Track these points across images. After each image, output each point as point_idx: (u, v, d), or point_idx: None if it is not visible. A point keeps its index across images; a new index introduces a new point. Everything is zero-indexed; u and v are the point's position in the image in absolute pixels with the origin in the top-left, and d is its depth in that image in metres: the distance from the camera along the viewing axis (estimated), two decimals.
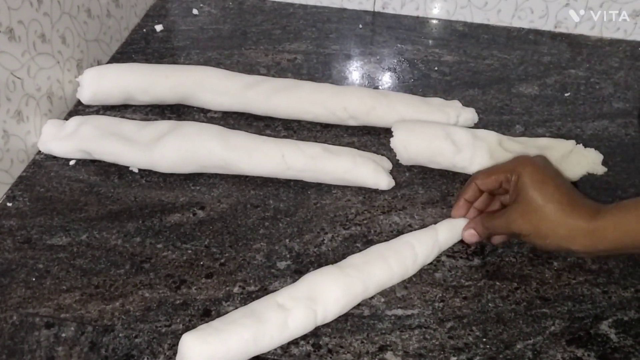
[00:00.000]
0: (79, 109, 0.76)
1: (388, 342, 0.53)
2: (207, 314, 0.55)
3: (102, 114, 0.74)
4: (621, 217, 0.51)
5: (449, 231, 0.60)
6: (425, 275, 0.59)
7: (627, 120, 0.78)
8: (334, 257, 0.60)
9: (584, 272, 0.59)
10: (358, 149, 0.70)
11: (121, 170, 0.68)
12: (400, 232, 0.62)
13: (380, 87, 0.83)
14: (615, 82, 0.85)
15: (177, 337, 0.52)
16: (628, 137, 0.76)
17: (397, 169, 0.70)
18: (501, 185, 0.58)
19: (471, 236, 0.60)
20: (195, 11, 0.96)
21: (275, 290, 0.55)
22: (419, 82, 0.83)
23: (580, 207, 0.53)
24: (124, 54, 0.86)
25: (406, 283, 0.58)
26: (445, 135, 0.67)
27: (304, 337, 0.53)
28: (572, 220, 0.53)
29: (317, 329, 0.54)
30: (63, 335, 0.53)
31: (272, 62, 0.86)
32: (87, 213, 0.63)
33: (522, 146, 0.67)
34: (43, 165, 0.68)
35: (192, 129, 0.66)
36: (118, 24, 0.86)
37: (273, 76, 0.81)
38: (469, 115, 0.73)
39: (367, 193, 0.67)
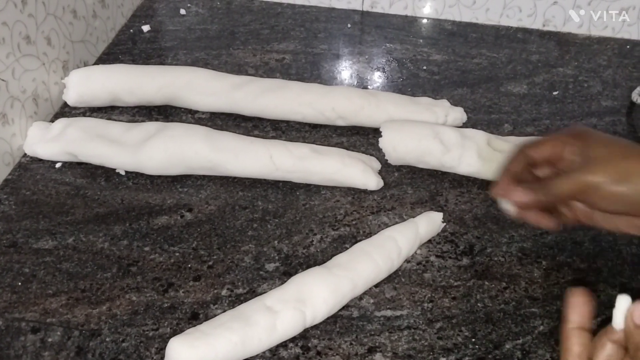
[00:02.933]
0: (65, 110, 0.75)
1: (377, 344, 0.53)
2: (195, 318, 0.54)
3: (89, 116, 0.74)
4: None
5: (428, 224, 0.61)
6: (414, 275, 0.59)
7: (616, 119, 0.78)
8: (323, 258, 0.59)
9: (572, 272, 0.59)
10: (347, 149, 0.70)
11: (108, 173, 0.68)
12: None
13: (369, 86, 0.83)
14: (604, 80, 0.85)
15: (164, 341, 0.52)
16: (616, 135, 0.76)
17: (386, 169, 0.70)
18: (554, 157, 0.51)
19: (526, 196, 0.50)
20: (182, 11, 0.95)
21: (263, 293, 0.55)
22: (407, 82, 0.83)
23: None
24: (110, 55, 0.85)
25: (395, 284, 0.58)
26: (433, 135, 0.67)
27: (293, 340, 0.53)
28: None
29: (306, 331, 0.53)
30: (49, 340, 0.52)
31: (260, 62, 0.85)
32: (73, 216, 0.63)
33: (510, 145, 0.67)
34: (29, 168, 0.68)
35: (178, 131, 0.66)
36: (104, 24, 0.86)
37: (261, 76, 0.80)
38: (458, 114, 0.73)
39: (356, 193, 0.67)
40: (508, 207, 0.53)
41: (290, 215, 0.64)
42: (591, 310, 0.40)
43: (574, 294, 0.40)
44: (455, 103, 0.77)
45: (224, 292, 0.56)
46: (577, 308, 0.40)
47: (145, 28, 0.91)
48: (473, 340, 0.53)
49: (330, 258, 0.58)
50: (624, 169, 0.47)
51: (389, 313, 0.55)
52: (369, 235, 0.61)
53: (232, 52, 0.87)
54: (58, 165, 0.68)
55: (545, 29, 0.94)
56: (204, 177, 0.68)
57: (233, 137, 0.67)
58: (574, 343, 0.40)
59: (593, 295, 0.40)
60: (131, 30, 0.91)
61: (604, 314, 0.56)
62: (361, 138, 0.73)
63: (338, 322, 0.54)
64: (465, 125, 0.74)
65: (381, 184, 0.67)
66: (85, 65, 0.81)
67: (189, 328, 0.51)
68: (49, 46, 0.72)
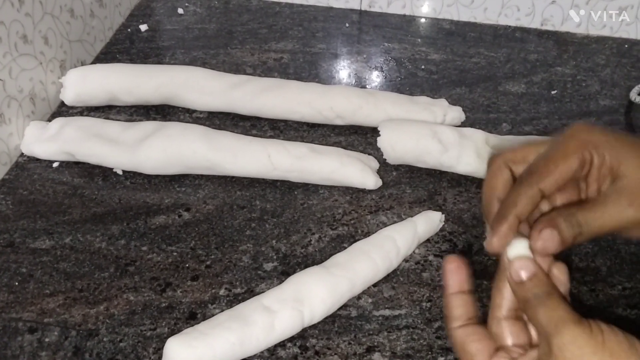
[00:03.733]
0: (62, 110, 0.75)
1: (375, 343, 0.53)
2: (193, 317, 0.54)
3: (86, 115, 0.74)
4: None
5: (426, 223, 0.61)
6: (412, 275, 0.58)
7: (614, 118, 0.78)
8: (321, 257, 0.59)
9: (571, 271, 0.59)
10: (345, 148, 0.69)
11: (105, 172, 0.67)
12: None
13: (367, 86, 0.83)
14: (602, 79, 0.85)
15: (162, 341, 0.51)
16: None
17: (384, 168, 0.69)
18: (569, 180, 0.41)
19: (552, 242, 0.39)
20: (180, 10, 0.95)
21: (261, 292, 0.54)
22: (406, 81, 0.83)
23: None
24: (108, 54, 0.85)
25: (393, 283, 0.58)
26: (432, 134, 0.67)
27: (291, 339, 0.53)
28: None
29: (304, 330, 0.53)
30: (46, 340, 0.52)
31: (258, 61, 0.85)
32: (70, 216, 0.63)
33: (509, 144, 0.67)
34: (26, 168, 0.68)
35: (176, 130, 0.66)
36: (102, 24, 0.85)
37: (259, 76, 0.80)
38: (456, 113, 0.73)
39: (354, 193, 0.67)
40: (522, 252, 0.39)
41: (288, 215, 0.64)
42: (466, 274, 0.41)
43: (448, 261, 0.41)
44: (453, 102, 0.77)
45: (221, 292, 0.56)
46: (453, 274, 0.41)
47: (143, 27, 0.90)
48: None
49: (329, 257, 0.57)
50: None
51: (387, 312, 0.55)
52: (367, 234, 0.61)
53: (230, 51, 0.87)
54: (55, 164, 0.68)
55: (544, 28, 0.94)
56: (201, 176, 0.67)
57: (231, 137, 0.67)
58: (455, 306, 0.41)
59: (466, 262, 0.41)
60: (129, 30, 0.90)
61: (602, 314, 0.56)
62: (359, 137, 0.73)
63: (336, 322, 0.54)
64: (463, 125, 0.74)
65: (379, 183, 0.67)
66: (83, 64, 0.81)
67: (187, 328, 0.51)
68: (46, 45, 0.72)
